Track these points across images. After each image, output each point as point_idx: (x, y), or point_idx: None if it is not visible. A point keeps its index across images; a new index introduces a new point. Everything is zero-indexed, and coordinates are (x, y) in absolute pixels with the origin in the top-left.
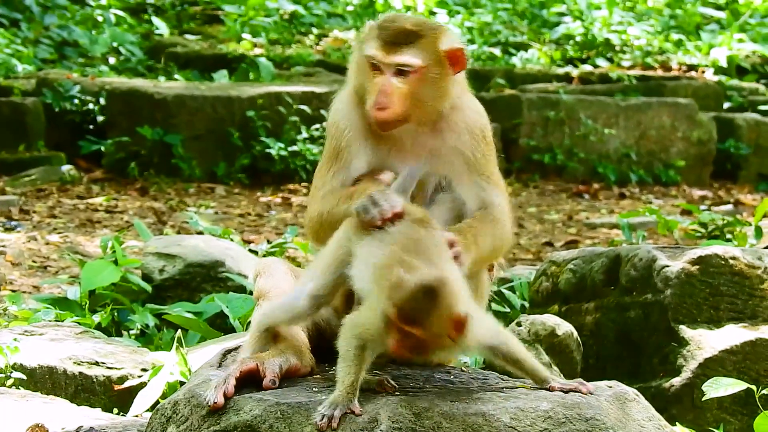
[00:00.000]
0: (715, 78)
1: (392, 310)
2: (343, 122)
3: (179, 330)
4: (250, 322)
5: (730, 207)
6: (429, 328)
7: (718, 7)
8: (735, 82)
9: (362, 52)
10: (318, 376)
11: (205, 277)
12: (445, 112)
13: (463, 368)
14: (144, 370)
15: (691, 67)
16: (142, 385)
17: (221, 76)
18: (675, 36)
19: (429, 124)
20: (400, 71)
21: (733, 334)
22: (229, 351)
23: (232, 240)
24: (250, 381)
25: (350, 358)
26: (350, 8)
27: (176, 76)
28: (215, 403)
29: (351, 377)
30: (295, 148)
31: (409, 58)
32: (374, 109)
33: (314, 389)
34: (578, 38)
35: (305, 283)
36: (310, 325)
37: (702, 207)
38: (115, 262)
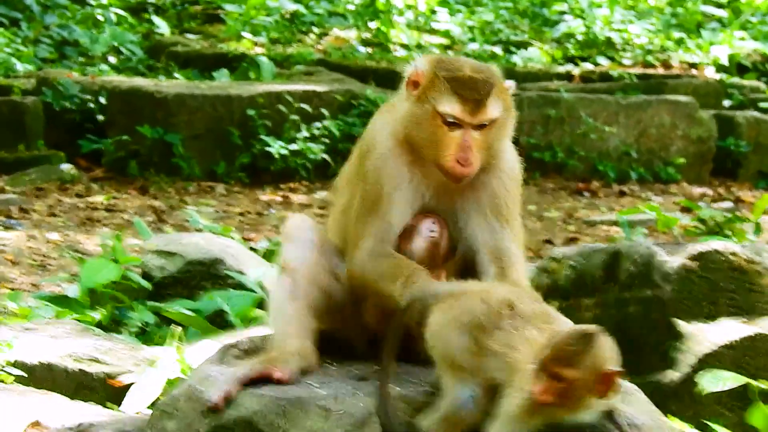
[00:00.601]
0: (716, 76)
1: (545, 356)
2: (387, 170)
3: (174, 325)
4: (250, 319)
5: (729, 204)
6: (580, 373)
7: (719, 5)
8: (736, 80)
9: (434, 107)
10: (319, 371)
11: (205, 275)
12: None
13: None
14: (142, 366)
15: (692, 65)
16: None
17: (222, 75)
18: (676, 34)
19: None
20: (480, 126)
21: (731, 330)
22: (229, 347)
23: (232, 238)
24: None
25: None
26: (351, 7)
27: (176, 75)
28: (215, 404)
29: None
30: (295, 146)
31: (492, 112)
32: (455, 165)
33: (314, 384)
34: (579, 37)
35: None
36: (323, 310)
37: (702, 204)
38: (115, 260)
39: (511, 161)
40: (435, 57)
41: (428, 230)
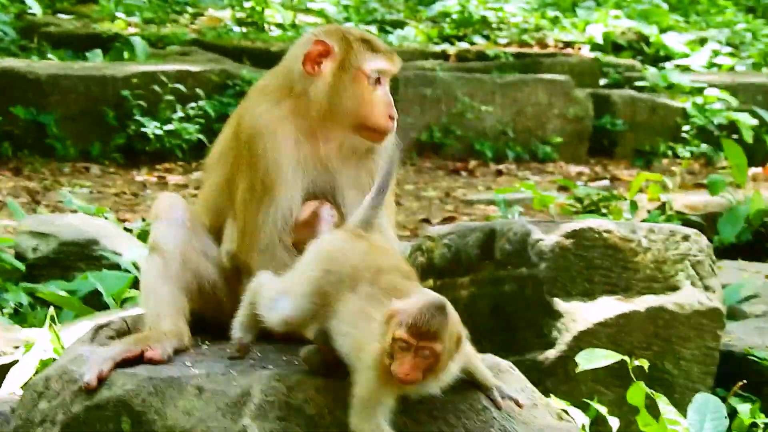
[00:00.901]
0: (592, 55)
1: (405, 333)
2: (279, 155)
3: (51, 307)
4: (125, 299)
5: (606, 183)
6: (446, 344)
7: None
8: (611, 58)
9: (361, 69)
10: (192, 351)
11: (80, 256)
12: None
13: None
14: (17, 347)
15: (568, 44)
16: (15, 363)
17: (95, 56)
18: (551, 13)
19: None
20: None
21: (607, 307)
22: (101, 327)
23: (106, 218)
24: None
25: None
26: None
27: (50, 55)
28: (87, 384)
29: None
30: (170, 127)
31: (399, 65)
32: (387, 120)
33: (187, 363)
34: (455, 16)
35: (276, 298)
36: (195, 292)
37: (579, 183)
38: None
39: (391, 139)
40: (330, 28)
41: (329, 215)
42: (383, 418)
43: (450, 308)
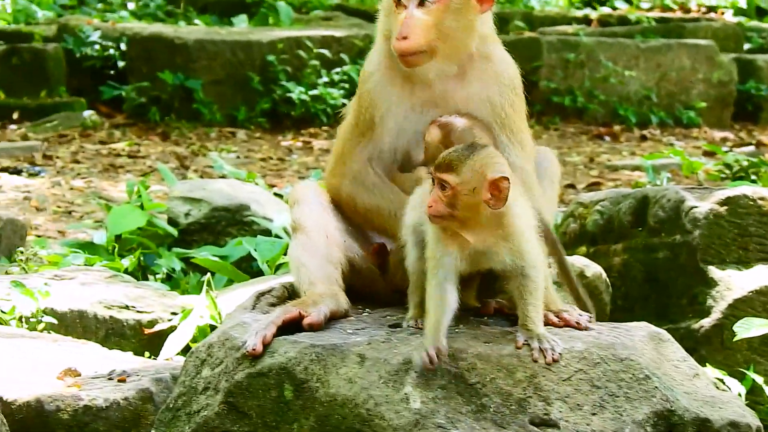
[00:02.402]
0: (735, 19)
1: (432, 168)
2: (376, 88)
3: (208, 273)
4: (279, 265)
5: (751, 148)
6: (462, 177)
7: None
8: (755, 23)
9: None
10: (352, 317)
11: (231, 221)
12: (473, 60)
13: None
14: (174, 313)
15: (711, 9)
16: (172, 329)
17: (241, 21)
18: None
19: (457, 72)
20: (422, 2)
21: (762, 275)
22: (262, 294)
23: (256, 184)
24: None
25: (432, 299)
26: None
27: (196, 21)
28: (254, 349)
29: (433, 317)
30: (315, 92)
31: None
32: (397, 40)
33: (348, 331)
34: None
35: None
36: (345, 266)
37: (724, 148)
38: (141, 207)
39: (505, 68)
40: None
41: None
42: (447, 279)
43: (486, 151)
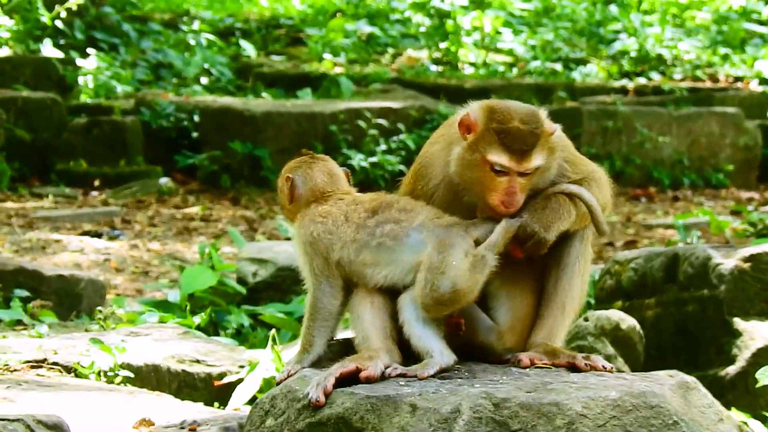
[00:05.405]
0: (760, 88)
1: None
2: (433, 176)
3: (273, 329)
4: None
5: None
6: None
7: (761, 23)
8: None
9: (483, 156)
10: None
11: (295, 280)
12: None
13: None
14: (241, 366)
15: (737, 79)
16: (240, 381)
17: (305, 94)
18: (722, 50)
19: None
20: (525, 173)
21: None
22: None
23: None
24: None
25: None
26: (422, 29)
27: (263, 94)
28: (317, 400)
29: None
30: (374, 159)
31: (536, 161)
32: (500, 205)
33: (401, 383)
34: (633, 53)
35: None
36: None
37: (750, 208)
38: (212, 267)
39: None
40: (487, 105)
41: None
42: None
43: None
